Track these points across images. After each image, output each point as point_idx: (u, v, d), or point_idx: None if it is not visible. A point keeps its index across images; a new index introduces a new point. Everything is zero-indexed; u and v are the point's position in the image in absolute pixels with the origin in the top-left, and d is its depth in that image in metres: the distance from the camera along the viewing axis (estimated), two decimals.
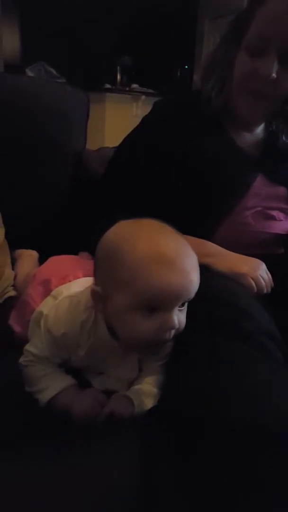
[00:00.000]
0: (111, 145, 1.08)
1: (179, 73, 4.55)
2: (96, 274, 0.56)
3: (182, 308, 0.54)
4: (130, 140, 0.90)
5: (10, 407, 0.55)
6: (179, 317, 0.53)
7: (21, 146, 1.01)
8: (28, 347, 0.59)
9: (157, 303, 0.51)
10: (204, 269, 0.71)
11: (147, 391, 0.59)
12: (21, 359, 0.59)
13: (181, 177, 0.82)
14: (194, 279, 0.52)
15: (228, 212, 0.81)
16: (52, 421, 0.55)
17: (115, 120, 3.39)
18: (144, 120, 0.90)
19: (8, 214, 0.88)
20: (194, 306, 0.60)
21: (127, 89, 3.86)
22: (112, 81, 3.93)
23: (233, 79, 0.82)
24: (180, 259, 0.52)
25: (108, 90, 3.58)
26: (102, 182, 0.91)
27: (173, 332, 0.53)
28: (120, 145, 0.92)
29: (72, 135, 1.08)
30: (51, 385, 0.57)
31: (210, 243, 0.78)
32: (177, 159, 0.82)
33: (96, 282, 0.55)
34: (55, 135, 1.04)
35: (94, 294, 0.54)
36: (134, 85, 3.94)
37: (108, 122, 3.42)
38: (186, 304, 0.54)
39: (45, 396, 0.57)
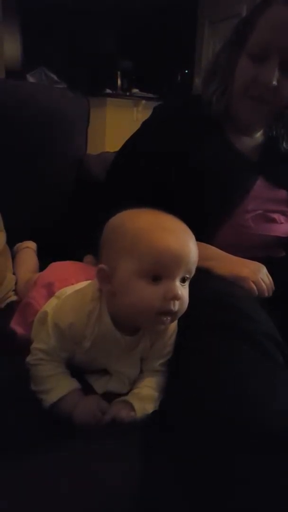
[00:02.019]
0: (112, 150, 1.09)
1: (179, 78, 4.58)
2: (101, 256, 0.57)
3: (184, 284, 0.55)
4: (130, 144, 0.91)
5: (12, 408, 0.55)
6: (181, 290, 0.54)
7: (22, 152, 1.02)
8: (35, 344, 0.60)
9: (160, 269, 0.53)
10: (205, 272, 0.72)
11: (148, 395, 0.59)
12: (29, 358, 0.59)
13: (181, 180, 0.83)
14: (193, 249, 0.55)
15: (228, 215, 0.82)
16: (53, 422, 0.55)
17: (115, 124, 3.40)
18: (144, 124, 0.91)
19: (8, 219, 0.88)
20: (196, 308, 0.60)
21: (128, 94, 3.88)
22: (113, 86, 3.95)
23: (234, 84, 0.82)
24: (179, 229, 0.55)
25: (108, 95, 3.61)
26: (103, 186, 0.92)
27: (177, 304, 0.54)
28: (120, 149, 0.93)
29: (73, 140, 1.09)
30: (57, 386, 0.58)
31: (210, 246, 0.78)
32: (176, 162, 0.82)
33: (101, 262, 0.57)
34: (56, 140, 1.05)
35: (100, 272, 0.56)
36: (135, 90, 3.96)
37: (108, 126, 3.44)
38: (187, 282, 0.56)
39: (51, 397, 0.57)
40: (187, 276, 0.55)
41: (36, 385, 0.58)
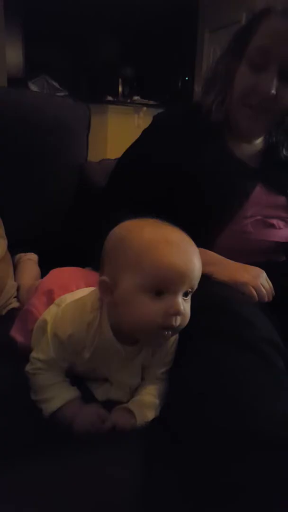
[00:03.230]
0: (113, 157, 1.09)
1: (180, 85, 4.60)
2: (103, 267, 0.57)
3: (187, 298, 0.55)
4: (130, 152, 0.91)
5: (13, 415, 0.55)
6: (184, 305, 0.54)
7: (23, 159, 1.03)
8: (34, 354, 0.60)
9: (163, 284, 0.52)
10: (205, 278, 0.72)
11: (148, 402, 0.59)
12: (28, 367, 0.59)
13: (180, 187, 0.83)
14: (197, 264, 0.54)
15: (228, 221, 0.82)
16: (54, 429, 0.55)
17: (117, 131, 3.42)
18: (144, 132, 0.91)
19: (10, 226, 0.89)
20: (196, 315, 0.60)
21: (129, 101, 3.91)
22: (114, 93, 3.98)
23: (233, 92, 0.83)
24: (184, 244, 0.55)
25: (110, 102, 3.63)
26: (104, 194, 0.92)
27: (179, 319, 0.53)
28: (120, 158, 0.93)
29: (74, 147, 1.10)
30: (57, 395, 0.58)
31: (210, 252, 0.78)
32: (176, 170, 0.83)
33: (103, 274, 0.56)
34: (57, 148, 1.06)
35: (102, 284, 0.56)
36: (136, 97, 3.99)
37: (110, 133, 3.46)
38: (190, 295, 0.55)
39: (50, 406, 0.57)
40: (190, 290, 0.55)
41: (36, 395, 0.58)
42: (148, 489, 0.49)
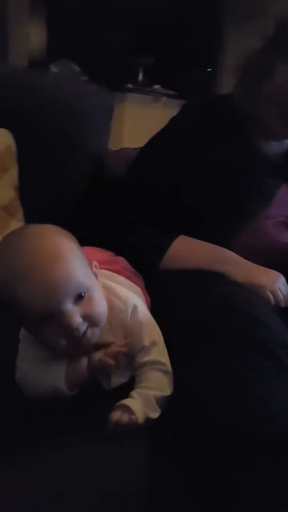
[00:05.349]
0: (129, 146, 1.08)
1: (201, 76, 4.52)
2: None
3: (81, 301, 0.53)
4: (155, 143, 0.90)
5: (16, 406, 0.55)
6: (83, 309, 0.52)
7: (42, 144, 1.02)
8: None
9: (38, 317, 0.51)
10: (221, 277, 0.71)
11: (147, 397, 0.58)
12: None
13: (204, 183, 0.81)
14: (64, 278, 0.51)
15: (250, 220, 0.80)
16: (62, 420, 0.55)
17: (134, 120, 3.38)
18: (171, 123, 0.90)
19: (28, 212, 0.88)
20: (208, 314, 0.60)
21: (149, 89, 3.85)
22: (134, 81, 3.92)
23: (267, 89, 0.80)
24: (39, 268, 0.50)
25: (129, 90, 3.58)
26: (125, 185, 0.91)
27: (82, 326, 0.52)
28: (145, 148, 0.92)
29: (95, 134, 1.09)
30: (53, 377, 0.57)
31: (227, 250, 0.77)
32: (201, 162, 0.81)
33: None
34: (79, 134, 1.05)
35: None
36: (156, 86, 3.92)
37: (126, 122, 3.41)
38: (85, 295, 0.53)
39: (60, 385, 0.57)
40: (79, 292, 0.52)
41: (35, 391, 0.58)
42: (153, 482, 0.49)
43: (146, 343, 0.60)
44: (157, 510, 0.48)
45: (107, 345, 0.59)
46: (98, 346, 0.59)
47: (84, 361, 0.58)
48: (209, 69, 4.46)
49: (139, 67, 4.17)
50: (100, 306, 0.55)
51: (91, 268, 0.59)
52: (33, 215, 0.89)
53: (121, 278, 0.68)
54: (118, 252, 0.76)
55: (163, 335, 0.62)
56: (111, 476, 0.48)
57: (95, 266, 0.61)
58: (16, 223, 0.91)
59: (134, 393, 0.59)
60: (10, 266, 0.50)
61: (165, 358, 0.61)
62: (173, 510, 0.48)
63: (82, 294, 0.53)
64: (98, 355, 0.58)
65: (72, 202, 1.06)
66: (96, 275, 0.60)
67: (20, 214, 0.90)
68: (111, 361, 0.57)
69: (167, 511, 0.48)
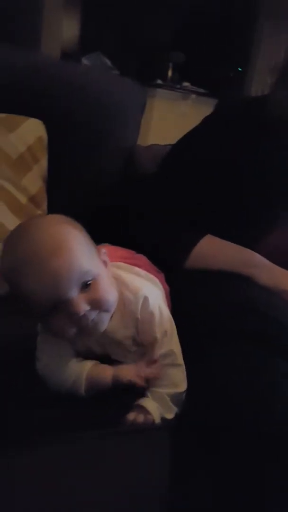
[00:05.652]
0: (156, 141, 1.07)
1: (232, 75, 4.46)
2: None
3: (87, 288, 0.52)
4: (190, 143, 0.89)
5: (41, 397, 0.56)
6: (90, 295, 0.52)
7: (73, 136, 1.02)
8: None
9: (43, 306, 0.51)
10: (246, 280, 0.70)
11: (161, 395, 0.58)
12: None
13: (237, 185, 0.80)
14: (67, 265, 0.50)
15: (279, 222, 0.79)
16: (84, 416, 0.55)
17: (161, 116, 3.36)
18: (206, 123, 0.89)
19: (52, 203, 0.89)
20: (228, 315, 0.59)
21: (178, 86, 3.82)
22: (163, 77, 3.90)
23: None
24: (42, 258, 0.50)
25: (158, 85, 3.56)
26: (160, 182, 0.91)
27: (91, 314, 0.52)
28: (178, 146, 0.91)
29: (126, 129, 1.09)
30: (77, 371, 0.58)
31: (255, 253, 0.76)
32: (234, 163, 0.80)
33: None
34: (109, 128, 1.05)
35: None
36: (186, 83, 3.90)
37: (154, 118, 3.40)
38: (90, 282, 0.53)
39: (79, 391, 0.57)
40: (84, 280, 0.52)
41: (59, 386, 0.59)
42: (175, 483, 0.49)
43: (158, 334, 0.59)
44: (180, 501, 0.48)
45: (132, 356, 0.60)
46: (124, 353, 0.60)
47: (109, 372, 0.58)
48: (240, 69, 4.40)
49: (169, 63, 4.15)
50: (108, 292, 0.55)
51: (99, 255, 0.58)
52: (57, 207, 0.90)
53: (139, 270, 0.67)
54: (139, 251, 0.76)
55: (183, 335, 0.62)
56: (132, 472, 0.48)
57: (104, 253, 0.60)
58: (41, 214, 0.92)
59: (148, 392, 0.59)
60: (14, 258, 0.51)
61: (176, 348, 0.60)
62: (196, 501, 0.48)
63: (88, 281, 0.52)
64: (128, 374, 0.57)
65: (98, 197, 1.06)
66: (105, 263, 0.59)
67: (45, 205, 0.91)
68: (143, 384, 0.57)
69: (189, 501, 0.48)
